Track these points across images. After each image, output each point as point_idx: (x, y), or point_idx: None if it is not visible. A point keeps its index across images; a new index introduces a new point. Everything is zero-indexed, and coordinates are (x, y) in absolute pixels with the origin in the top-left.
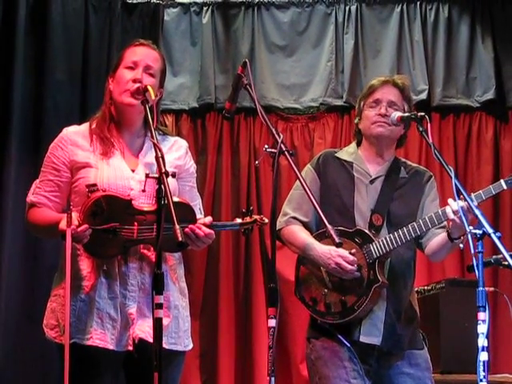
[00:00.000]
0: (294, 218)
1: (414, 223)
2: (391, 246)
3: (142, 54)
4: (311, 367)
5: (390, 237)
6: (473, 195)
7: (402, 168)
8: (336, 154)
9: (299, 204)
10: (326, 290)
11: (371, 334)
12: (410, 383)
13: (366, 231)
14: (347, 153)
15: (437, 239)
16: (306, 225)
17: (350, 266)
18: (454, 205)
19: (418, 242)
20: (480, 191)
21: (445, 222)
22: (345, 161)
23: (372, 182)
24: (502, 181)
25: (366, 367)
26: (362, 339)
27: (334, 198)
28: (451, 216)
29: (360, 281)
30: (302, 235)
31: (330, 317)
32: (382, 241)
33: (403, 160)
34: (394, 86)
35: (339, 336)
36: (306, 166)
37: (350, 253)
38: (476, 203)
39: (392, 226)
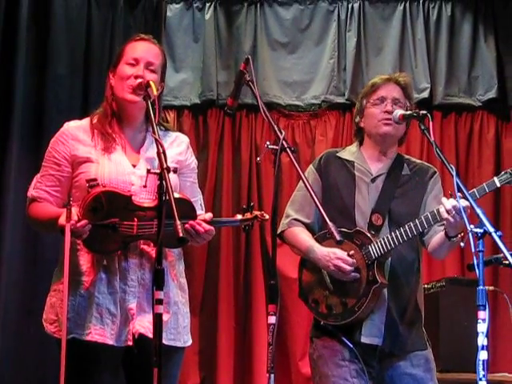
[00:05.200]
0: (296, 219)
1: (411, 223)
2: (389, 247)
3: (142, 50)
4: (313, 367)
5: (388, 237)
6: (467, 194)
7: (405, 165)
8: (338, 154)
9: (301, 205)
10: (327, 292)
11: (372, 335)
12: None
13: (365, 232)
14: (349, 152)
15: (437, 237)
16: (308, 226)
17: (348, 268)
18: (448, 204)
19: (421, 239)
20: (474, 189)
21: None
22: (346, 160)
23: (373, 180)
24: (495, 178)
25: (369, 369)
26: (363, 340)
27: (335, 198)
28: (444, 215)
29: (359, 282)
30: (304, 237)
31: (331, 318)
32: (381, 241)
33: (407, 157)
34: (397, 84)
35: (342, 337)
36: (308, 167)
37: (349, 254)
38: (467, 203)
39: (394, 225)
